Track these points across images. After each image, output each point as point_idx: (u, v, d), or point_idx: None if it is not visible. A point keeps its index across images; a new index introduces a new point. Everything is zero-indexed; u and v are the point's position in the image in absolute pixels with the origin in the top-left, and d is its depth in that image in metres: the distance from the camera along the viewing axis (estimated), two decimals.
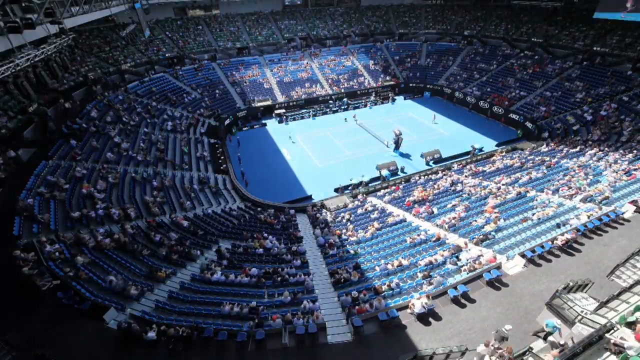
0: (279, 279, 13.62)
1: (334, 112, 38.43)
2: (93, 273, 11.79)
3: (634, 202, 14.61)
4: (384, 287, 12.13)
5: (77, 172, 17.90)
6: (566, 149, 24.14)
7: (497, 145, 29.46)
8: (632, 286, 9.08)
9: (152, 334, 9.44)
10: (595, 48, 33.58)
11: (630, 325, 7.32)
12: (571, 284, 9.59)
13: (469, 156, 27.54)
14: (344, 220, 19.78)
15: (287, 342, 9.93)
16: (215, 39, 42.92)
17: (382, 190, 23.28)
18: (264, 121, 36.39)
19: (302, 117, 37.11)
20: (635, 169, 18.19)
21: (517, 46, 40.97)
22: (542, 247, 12.71)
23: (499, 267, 12.35)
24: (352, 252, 15.96)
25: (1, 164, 15.52)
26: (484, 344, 7.99)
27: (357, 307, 11.02)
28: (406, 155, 28.50)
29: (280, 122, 36.32)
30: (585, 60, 33.84)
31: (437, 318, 10.46)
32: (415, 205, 19.53)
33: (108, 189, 17.72)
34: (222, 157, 27.21)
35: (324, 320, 10.75)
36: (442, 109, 37.71)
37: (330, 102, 39.50)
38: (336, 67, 43.41)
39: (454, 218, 16.93)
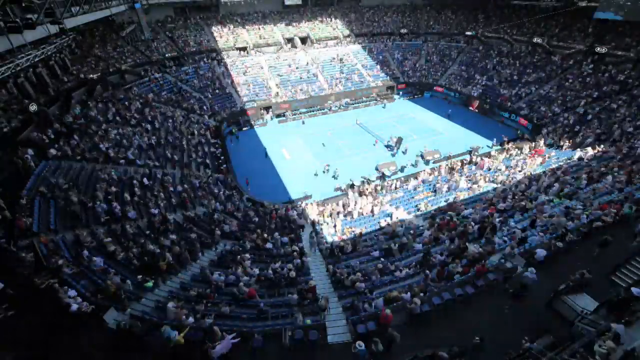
0: (279, 278, 13.59)
1: (334, 112, 38.40)
2: (93, 273, 11.78)
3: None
4: (384, 287, 12.12)
5: (76, 171, 17.86)
6: (566, 148, 24.08)
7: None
8: (631, 286, 9.07)
9: (150, 334, 9.41)
10: (595, 48, 33.55)
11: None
12: (571, 284, 9.59)
13: (468, 156, 27.54)
14: (344, 220, 19.77)
15: (288, 342, 9.90)
16: (215, 39, 42.89)
17: (382, 190, 23.25)
18: (263, 121, 36.37)
19: (302, 117, 37.07)
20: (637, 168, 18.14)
21: (517, 46, 40.93)
22: (543, 247, 12.67)
23: (498, 266, 12.31)
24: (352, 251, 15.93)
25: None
26: None
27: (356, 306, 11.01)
28: (406, 156, 28.47)
29: (280, 122, 36.27)
30: (585, 60, 33.81)
31: (437, 318, 10.44)
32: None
33: (108, 189, 17.68)
34: (222, 157, 27.19)
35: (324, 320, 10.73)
36: (442, 109, 37.68)
37: (330, 102, 39.49)
38: (336, 67, 43.37)
39: (452, 218, 16.91)
